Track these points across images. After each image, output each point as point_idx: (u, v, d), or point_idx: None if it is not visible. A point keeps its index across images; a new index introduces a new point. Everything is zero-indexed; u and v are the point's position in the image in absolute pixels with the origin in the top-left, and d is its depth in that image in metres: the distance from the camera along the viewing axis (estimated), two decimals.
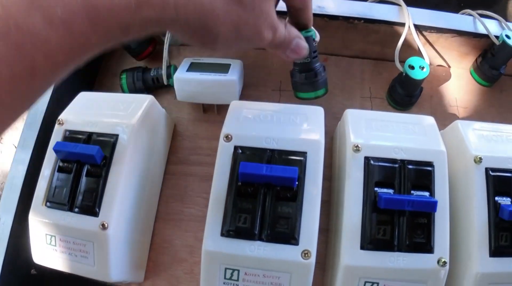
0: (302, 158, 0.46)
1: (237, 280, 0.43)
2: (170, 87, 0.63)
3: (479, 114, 0.65)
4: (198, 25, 0.33)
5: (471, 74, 0.68)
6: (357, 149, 0.46)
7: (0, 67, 0.24)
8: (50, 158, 0.51)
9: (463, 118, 0.64)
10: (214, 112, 0.63)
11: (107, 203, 0.47)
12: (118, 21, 0.28)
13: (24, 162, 0.56)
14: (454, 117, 0.63)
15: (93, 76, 0.70)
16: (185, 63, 0.62)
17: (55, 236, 0.48)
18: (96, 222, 0.46)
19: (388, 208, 0.43)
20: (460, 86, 0.68)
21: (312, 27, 0.48)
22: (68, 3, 0.26)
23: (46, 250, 0.49)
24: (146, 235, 0.57)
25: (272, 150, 0.46)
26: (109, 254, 0.47)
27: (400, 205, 0.43)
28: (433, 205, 0.43)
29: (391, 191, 0.45)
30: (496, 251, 0.44)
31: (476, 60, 0.66)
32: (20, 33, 0.24)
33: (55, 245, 0.48)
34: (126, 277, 0.51)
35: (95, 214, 0.47)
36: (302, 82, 0.53)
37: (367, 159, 0.46)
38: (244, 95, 0.64)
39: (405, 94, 0.61)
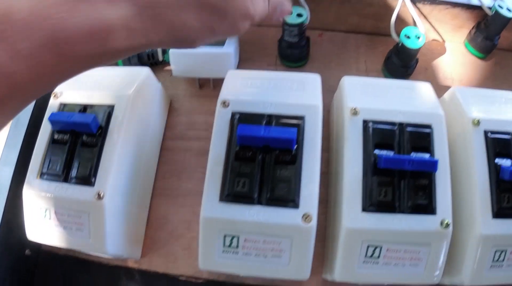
0: (300, 122, 0.45)
1: (237, 247, 0.43)
2: (165, 63, 0.63)
3: (474, 86, 0.65)
4: (173, 40, 0.32)
5: (465, 46, 0.68)
6: (355, 112, 0.46)
7: None
8: (44, 131, 0.50)
9: None
10: (210, 87, 0.62)
11: (102, 173, 0.46)
12: (86, 52, 0.28)
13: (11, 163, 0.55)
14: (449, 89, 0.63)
15: None
16: None
17: (49, 209, 0.47)
18: (91, 192, 0.45)
19: (388, 168, 0.43)
20: (455, 59, 0.68)
21: (305, 7, 0.49)
22: (32, 37, 0.25)
23: (41, 225, 0.48)
24: (143, 210, 0.56)
25: (270, 115, 0.46)
26: (105, 225, 0.46)
27: (400, 164, 0.42)
28: (433, 164, 0.43)
29: (391, 153, 0.45)
30: (499, 212, 0.44)
31: (470, 31, 0.67)
32: None
33: (50, 218, 0.47)
34: (123, 251, 0.50)
35: (90, 183, 0.46)
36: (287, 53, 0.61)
37: (365, 122, 0.46)
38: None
39: (401, 65, 0.61)
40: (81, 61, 0.29)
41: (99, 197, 0.45)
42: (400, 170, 0.43)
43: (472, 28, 0.66)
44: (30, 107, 0.56)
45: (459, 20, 0.65)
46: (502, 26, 0.62)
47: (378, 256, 0.43)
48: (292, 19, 0.57)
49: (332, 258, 0.46)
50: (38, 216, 0.48)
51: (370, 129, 0.45)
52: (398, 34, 0.58)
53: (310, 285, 0.53)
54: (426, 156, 0.45)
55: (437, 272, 0.43)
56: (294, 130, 0.43)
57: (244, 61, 0.65)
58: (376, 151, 0.45)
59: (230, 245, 0.43)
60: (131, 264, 0.55)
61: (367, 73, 0.65)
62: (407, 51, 0.58)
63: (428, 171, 0.43)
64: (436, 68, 0.66)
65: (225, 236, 0.43)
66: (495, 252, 0.44)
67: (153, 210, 0.57)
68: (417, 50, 0.58)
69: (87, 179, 0.46)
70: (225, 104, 0.46)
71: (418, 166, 0.42)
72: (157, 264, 0.55)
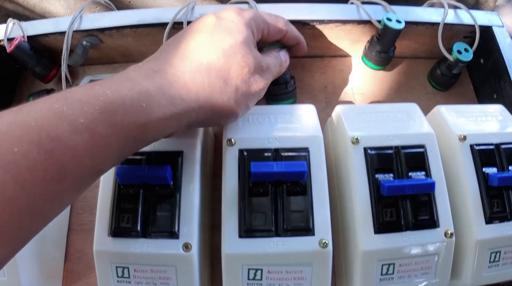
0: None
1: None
2: None
3: (380, 97, 0.70)
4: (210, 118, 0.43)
5: (362, 60, 0.71)
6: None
7: (35, 171, 0.27)
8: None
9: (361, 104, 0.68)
10: None
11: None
12: (133, 122, 0.33)
13: None
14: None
15: (9, 103, 0.71)
16: (84, 81, 0.64)
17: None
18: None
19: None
20: (355, 73, 0.71)
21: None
22: (89, 111, 0.30)
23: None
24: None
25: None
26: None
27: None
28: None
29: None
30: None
31: (365, 46, 0.69)
32: (51, 141, 0.28)
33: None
34: None
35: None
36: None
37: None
38: None
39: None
40: (130, 131, 0.32)
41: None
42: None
43: (367, 42, 0.68)
44: None
45: (353, 35, 0.68)
46: (393, 38, 0.63)
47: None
48: None
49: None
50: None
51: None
52: None
53: None
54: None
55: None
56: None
57: None
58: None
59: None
60: None
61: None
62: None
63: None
64: (336, 85, 0.70)
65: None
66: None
67: (70, 245, 0.60)
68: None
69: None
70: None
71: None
72: None
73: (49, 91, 0.67)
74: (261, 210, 0.45)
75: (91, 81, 0.63)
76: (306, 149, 0.48)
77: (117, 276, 0.44)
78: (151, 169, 0.44)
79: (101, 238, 0.44)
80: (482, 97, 0.70)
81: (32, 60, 0.66)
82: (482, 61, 0.69)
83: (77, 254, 0.59)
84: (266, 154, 0.48)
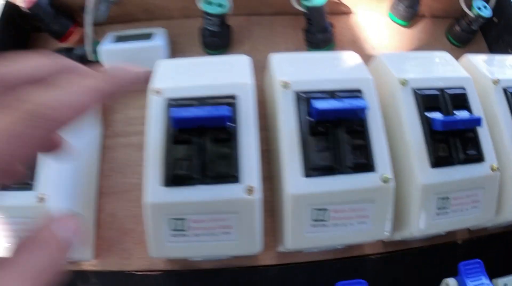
0: (232, 101, 0.46)
1: (184, 230, 0.43)
2: (96, 64, 0.62)
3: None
4: None
5: (389, 16, 0.72)
6: (285, 85, 0.47)
7: None
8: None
9: None
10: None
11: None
12: None
13: None
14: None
15: None
16: (108, 37, 0.61)
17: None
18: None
19: (323, 120, 0.45)
20: (380, 30, 0.71)
21: None
22: None
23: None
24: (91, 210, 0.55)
25: (202, 98, 0.46)
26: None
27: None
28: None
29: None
30: (437, 162, 0.47)
31: (393, 3, 0.71)
32: None
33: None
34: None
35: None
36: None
37: (297, 93, 0.47)
38: None
39: (317, 31, 0.64)
40: None
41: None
42: (334, 132, 0.45)
43: None
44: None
45: None
46: None
47: (326, 219, 0.44)
48: (213, 9, 0.58)
49: (282, 228, 0.46)
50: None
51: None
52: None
53: (265, 261, 0.54)
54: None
55: (386, 227, 0.46)
56: (226, 107, 0.44)
57: (176, 53, 0.65)
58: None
59: (178, 229, 0.43)
60: (85, 267, 0.54)
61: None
62: (312, 12, 0.61)
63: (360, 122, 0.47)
64: (362, 40, 0.69)
65: (171, 220, 0.43)
66: (437, 199, 0.47)
67: (100, 209, 0.56)
68: (321, 8, 0.61)
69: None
70: (157, 92, 0.46)
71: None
72: (111, 263, 0.54)
73: (68, 50, 0.64)
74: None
75: (114, 36, 0.61)
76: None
77: (172, 230, 0.43)
78: (209, 110, 0.43)
79: (153, 190, 0.43)
80: (496, 53, 0.70)
81: (50, 17, 0.63)
82: (495, 19, 0.70)
83: (108, 219, 0.56)
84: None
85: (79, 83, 0.24)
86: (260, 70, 0.57)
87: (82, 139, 0.55)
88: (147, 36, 0.59)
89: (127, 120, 0.61)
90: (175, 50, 0.65)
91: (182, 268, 0.54)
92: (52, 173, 0.46)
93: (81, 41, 0.66)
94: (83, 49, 0.62)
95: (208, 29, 0.62)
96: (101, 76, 0.26)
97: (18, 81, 0.24)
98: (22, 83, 0.24)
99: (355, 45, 0.68)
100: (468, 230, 0.58)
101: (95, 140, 0.58)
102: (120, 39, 0.60)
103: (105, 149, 0.59)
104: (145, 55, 0.58)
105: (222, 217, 0.43)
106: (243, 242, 0.43)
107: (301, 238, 0.44)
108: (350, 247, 0.55)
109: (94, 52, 0.61)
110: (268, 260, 0.54)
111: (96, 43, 0.62)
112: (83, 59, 0.62)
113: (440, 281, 0.50)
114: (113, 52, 0.58)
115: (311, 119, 0.45)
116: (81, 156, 0.53)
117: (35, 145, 0.22)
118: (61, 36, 0.65)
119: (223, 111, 0.43)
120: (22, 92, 0.23)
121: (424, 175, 0.46)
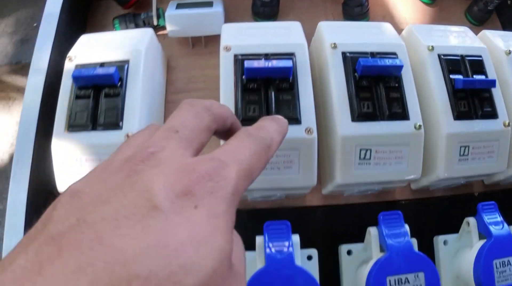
0: (292, 57, 0.54)
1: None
2: (159, 28, 0.70)
3: None
4: None
5: None
6: (334, 46, 0.56)
7: None
8: (65, 91, 0.54)
9: None
10: (202, 46, 0.70)
11: (129, 117, 0.52)
12: None
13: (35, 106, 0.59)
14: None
15: (82, 30, 0.74)
16: (172, 4, 0.69)
17: (80, 158, 0.52)
18: (120, 135, 0.51)
19: (366, 74, 0.54)
20: (407, 6, 0.80)
21: None
22: None
23: (73, 175, 0.52)
24: None
25: (267, 54, 0.54)
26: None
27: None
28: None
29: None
30: (459, 115, 0.55)
31: None
32: None
33: (81, 167, 0.52)
34: None
35: (119, 127, 0.52)
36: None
37: (344, 53, 0.56)
38: None
39: (355, 5, 0.72)
40: None
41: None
42: (375, 86, 0.54)
43: None
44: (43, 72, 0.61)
45: None
46: None
47: (370, 158, 0.53)
48: None
49: (333, 166, 0.54)
50: (68, 166, 0.52)
51: (349, 59, 0.55)
52: None
53: (312, 202, 0.63)
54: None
55: (418, 167, 0.54)
56: (290, 60, 0.52)
57: (228, 21, 0.71)
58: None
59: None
60: None
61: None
62: None
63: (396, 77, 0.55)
64: (391, 15, 0.78)
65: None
66: (460, 147, 0.55)
67: None
68: None
69: (115, 124, 0.52)
70: (227, 48, 0.54)
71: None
72: None
73: (135, 15, 0.71)
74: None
75: (178, 4, 0.68)
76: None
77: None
78: (277, 62, 0.51)
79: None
80: (509, 31, 0.78)
81: None
82: (509, 1, 0.79)
83: None
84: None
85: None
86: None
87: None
88: (207, 4, 0.67)
89: (189, 78, 0.68)
90: (227, 18, 0.73)
91: (242, 207, 0.60)
92: (137, 116, 0.53)
93: (142, 7, 0.73)
94: (148, 14, 0.69)
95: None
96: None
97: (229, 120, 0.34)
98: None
99: (385, 19, 0.76)
100: (483, 184, 0.67)
101: (162, 93, 0.66)
102: (182, 6, 0.67)
103: (169, 103, 0.66)
104: (206, 20, 0.66)
105: (285, 153, 0.51)
106: (302, 175, 0.51)
107: (350, 173, 0.53)
108: (383, 193, 0.63)
109: (158, 18, 0.69)
110: (315, 201, 0.63)
111: (159, 10, 0.70)
112: (149, 23, 0.69)
113: (459, 226, 0.58)
114: (177, 17, 0.66)
115: (357, 74, 0.54)
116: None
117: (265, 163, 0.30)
118: (125, 3, 0.72)
119: (288, 63, 0.51)
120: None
121: (449, 125, 0.54)
